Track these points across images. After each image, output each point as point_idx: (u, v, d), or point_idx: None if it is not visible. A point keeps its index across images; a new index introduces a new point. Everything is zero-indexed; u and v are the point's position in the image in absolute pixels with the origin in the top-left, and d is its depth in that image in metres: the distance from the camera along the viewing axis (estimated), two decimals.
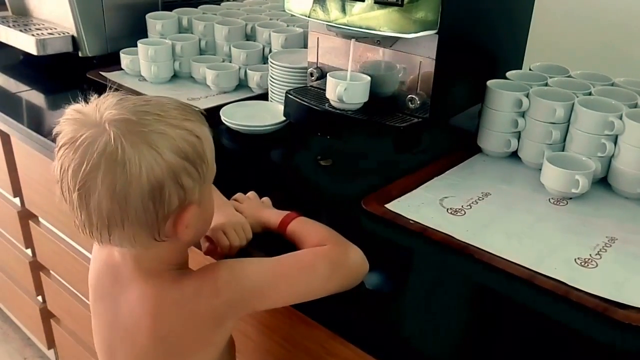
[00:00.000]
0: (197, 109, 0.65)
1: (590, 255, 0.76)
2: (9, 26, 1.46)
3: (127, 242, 0.62)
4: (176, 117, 0.60)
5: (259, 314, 0.83)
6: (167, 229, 0.61)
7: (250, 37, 1.39)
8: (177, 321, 0.66)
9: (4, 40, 1.48)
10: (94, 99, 0.62)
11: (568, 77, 1.06)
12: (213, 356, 0.70)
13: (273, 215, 0.79)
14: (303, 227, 0.76)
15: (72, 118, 0.60)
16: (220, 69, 1.27)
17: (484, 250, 0.76)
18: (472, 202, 0.88)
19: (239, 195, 0.86)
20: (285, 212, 0.79)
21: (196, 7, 1.53)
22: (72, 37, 1.39)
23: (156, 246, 0.62)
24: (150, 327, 0.66)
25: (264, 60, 1.33)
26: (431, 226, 0.81)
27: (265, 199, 0.85)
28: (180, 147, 0.59)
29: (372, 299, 0.71)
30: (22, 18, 1.55)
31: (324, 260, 0.69)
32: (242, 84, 1.31)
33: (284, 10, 1.52)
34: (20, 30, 1.42)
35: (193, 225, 0.62)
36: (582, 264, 0.74)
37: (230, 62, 1.33)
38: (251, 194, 0.86)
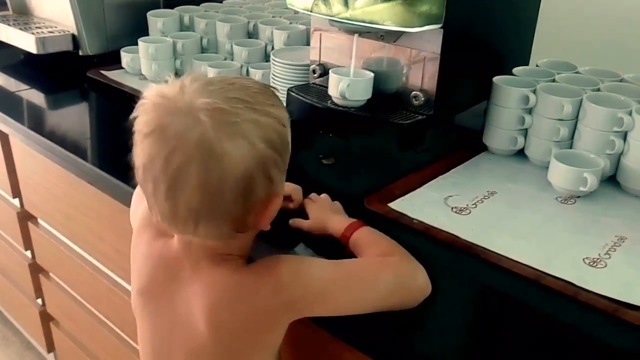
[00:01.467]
0: (273, 89, 0.63)
1: (599, 255, 0.74)
2: (9, 25, 1.45)
3: (211, 234, 0.60)
4: (263, 103, 0.58)
5: None
6: (251, 220, 0.60)
7: (252, 34, 1.38)
8: (234, 315, 0.62)
9: (4, 39, 1.47)
10: (174, 80, 0.59)
11: (576, 73, 1.04)
12: None
13: (338, 223, 0.74)
14: (368, 237, 0.71)
15: (156, 103, 0.57)
16: (222, 67, 1.25)
17: (490, 251, 0.74)
18: (478, 201, 0.86)
19: (313, 195, 0.83)
20: (351, 220, 0.74)
21: (198, 4, 1.52)
22: (73, 35, 1.38)
23: (234, 237, 0.61)
24: (207, 318, 0.62)
25: (266, 58, 1.31)
26: (435, 225, 0.79)
27: (336, 204, 0.81)
28: (270, 137, 0.57)
29: None
30: (23, 17, 1.54)
31: (389, 272, 0.64)
32: None
33: (287, 8, 1.51)
34: (20, 29, 1.41)
35: (273, 213, 0.61)
36: (591, 263, 0.72)
37: (232, 60, 1.31)
38: (324, 195, 0.82)
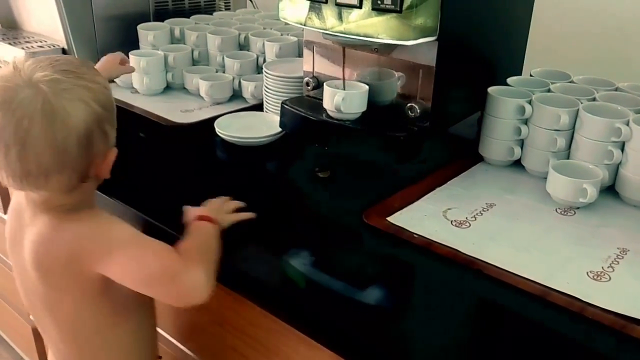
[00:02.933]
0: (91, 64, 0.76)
1: (602, 268, 0.73)
2: None
3: (61, 187, 0.69)
4: (87, 73, 0.70)
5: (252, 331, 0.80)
6: (92, 171, 0.71)
7: (243, 46, 1.37)
8: (48, 256, 0.72)
9: None
10: (6, 65, 0.69)
11: (570, 82, 1.04)
12: (91, 306, 0.75)
13: (200, 211, 0.80)
14: (199, 230, 0.77)
15: None
16: (214, 80, 1.24)
17: (493, 265, 0.73)
18: (477, 214, 0.85)
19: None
20: (210, 215, 0.79)
21: (188, 17, 1.51)
22: (63, 49, 1.36)
23: (79, 187, 0.71)
24: (30, 257, 0.73)
25: (258, 70, 1.31)
26: (436, 240, 0.78)
27: (227, 204, 0.85)
28: (100, 98, 0.69)
29: (375, 317, 0.68)
30: (12, 31, 1.52)
31: (161, 265, 0.70)
32: (236, 95, 1.28)
33: (277, 19, 1.51)
34: (10, 44, 1.39)
35: (107, 167, 0.72)
36: (595, 277, 0.71)
37: (224, 72, 1.30)
38: (219, 198, 0.86)
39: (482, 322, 0.70)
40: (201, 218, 0.78)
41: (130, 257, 0.70)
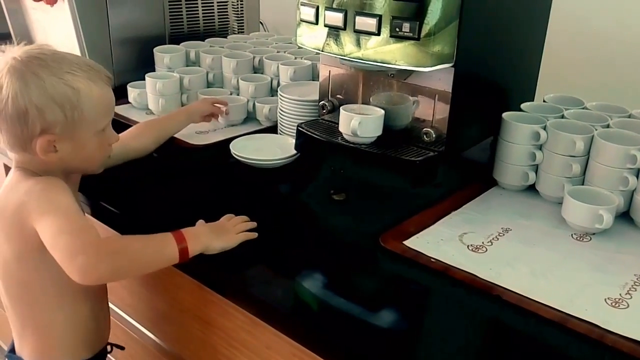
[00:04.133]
0: (99, 70, 0.82)
1: (620, 295, 0.73)
2: None
3: (8, 145, 0.80)
4: (61, 69, 0.77)
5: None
6: (32, 146, 0.78)
7: (257, 69, 1.39)
8: (7, 201, 0.80)
9: None
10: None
11: (583, 108, 1.05)
12: (32, 264, 0.81)
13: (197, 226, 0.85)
14: (156, 236, 0.78)
15: None
16: (230, 102, 1.26)
17: (511, 291, 0.73)
18: (493, 239, 0.86)
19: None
20: (186, 233, 0.79)
21: (202, 40, 1.53)
22: None
23: (32, 154, 0.79)
24: None
25: (272, 92, 1.32)
26: (453, 264, 0.79)
27: (238, 226, 0.86)
28: (48, 90, 0.76)
29: (393, 341, 0.68)
30: None
31: (72, 240, 0.74)
32: (250, 117, 1.30)
33: (291, 43, 1.53)
34: None
35: (60, 154, 0.79)
36: (613, 304, 0.71)
37: (238, 94, 1.32)
38: (233, 219, 0.88)
39: (501, 348, 0.70)
40: (176, 235, 0.77)
41: (53, 222, 0.75)
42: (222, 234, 0.82)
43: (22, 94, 0.75)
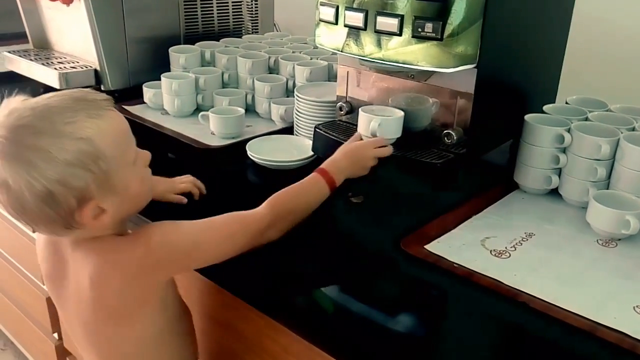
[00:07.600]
0: (93, 99, 0.68)
1: None
2: (30, 59, 1.46)
3: (51, 233, 0.71)
4: (54, 126, 0.64)
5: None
6: (78, 220, 0.67)
7: (273, 70, 1.38)
8: (115, 282, 0.71)
9: (25, 74, 1.47)
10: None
11: (607, 111, 1.03)
12: (153, 318, 0.76)
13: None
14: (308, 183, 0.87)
15: None
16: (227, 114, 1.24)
17: (538, 298, 0.71)
18: (516, 244, 0.84)
19: None
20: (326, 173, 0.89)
21: (217, 40, 1.52)
22: (95, 70, 1.38)
23: (82, 228, 0.68)
24: (90, 290, 0.71)
25: (287, 93, 1.31)
26: (476, 270, 0.77)
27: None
28: (59, 158, 0.63)
29: (417, 347, 0.66)
30: (43, 51, 1.55)
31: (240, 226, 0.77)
32: (264, 117, 1.28)
33: (306, 43, 1.52)
34: (43, 64, 1.41)
35: (110, 210, 0.69)
36: None
37: (254, 94, 1.31)
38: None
39: (527, 357, 0.68)
40: (325, 177, 0.88)
41: (210, 239, 0.75)
42: (358, 161, 0.92)
43: (34, 178, 0.62)
